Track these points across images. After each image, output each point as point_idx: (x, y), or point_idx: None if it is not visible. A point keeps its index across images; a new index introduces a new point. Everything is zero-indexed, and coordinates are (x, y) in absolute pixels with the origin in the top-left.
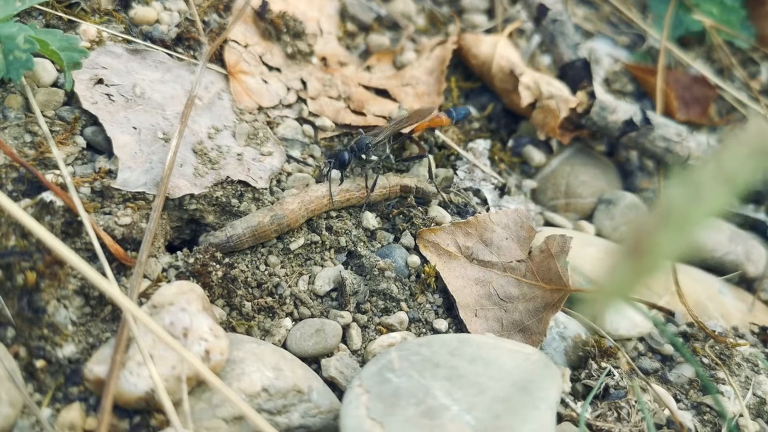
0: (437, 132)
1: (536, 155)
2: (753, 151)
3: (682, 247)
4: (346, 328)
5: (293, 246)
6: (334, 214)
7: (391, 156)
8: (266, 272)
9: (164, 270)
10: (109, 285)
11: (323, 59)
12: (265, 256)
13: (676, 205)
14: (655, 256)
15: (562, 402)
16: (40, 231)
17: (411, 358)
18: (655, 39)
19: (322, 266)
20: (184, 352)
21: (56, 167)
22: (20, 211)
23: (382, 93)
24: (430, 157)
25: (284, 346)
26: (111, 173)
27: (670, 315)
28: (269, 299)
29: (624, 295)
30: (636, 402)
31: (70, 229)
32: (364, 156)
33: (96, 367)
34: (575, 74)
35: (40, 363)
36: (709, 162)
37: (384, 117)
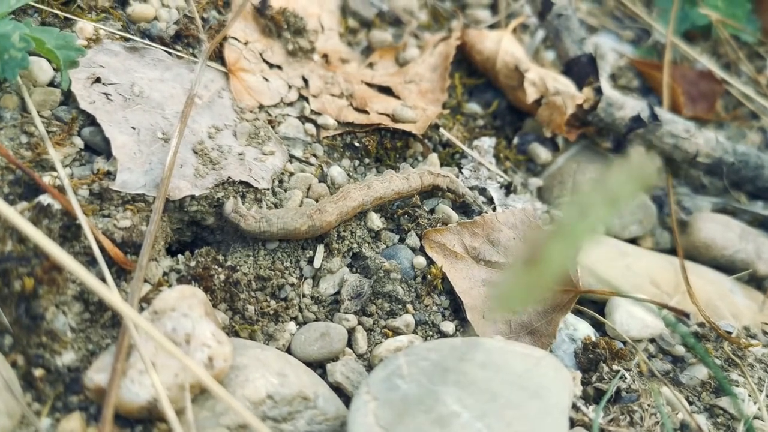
0: (441, 130)
1: (542, 153)
2: (632, 177)
3: (571, 258)
4: (351, 331)
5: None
6: None
7: None
8: (270, 275)
9: (165, 274)
10: (108, 291)
11: (325, 56)
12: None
13: (565, 222)
14: (548, 265)
15: (574, 406)
16: (38, 235)
17: (420, 363)
18: (660, 33)
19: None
20: (186, 360)
21: (53, 169)
22: (17, 215)
23: (386, 90)
24: None
25: (289, 350)
26: (110, 174)
27: (683, 315)
28: (273, 303)
29: (523, 299)
30: (649, 406)
31: (69, 233)
32: None
33: (96, 376)
34: (581, 70)
35: (38, 372)
36: (595, 185)
37: (387, 115)
